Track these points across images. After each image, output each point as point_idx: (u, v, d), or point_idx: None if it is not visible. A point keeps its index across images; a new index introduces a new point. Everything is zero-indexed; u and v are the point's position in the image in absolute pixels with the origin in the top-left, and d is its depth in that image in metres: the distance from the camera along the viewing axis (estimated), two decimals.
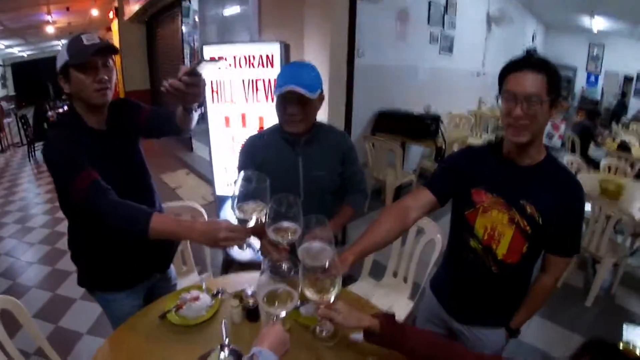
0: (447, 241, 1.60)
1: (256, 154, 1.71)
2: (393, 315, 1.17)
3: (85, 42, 1.33)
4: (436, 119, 4.68)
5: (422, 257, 2.29)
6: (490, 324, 1.50)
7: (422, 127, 4.57)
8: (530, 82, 1.16)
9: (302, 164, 1.68)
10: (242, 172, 1.21)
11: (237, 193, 1.18)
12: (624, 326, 1.79)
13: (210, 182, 3.40)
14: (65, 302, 3.03)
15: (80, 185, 1.27)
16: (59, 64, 1.37)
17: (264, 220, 1.22)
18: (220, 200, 3.35)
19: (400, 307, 2.27)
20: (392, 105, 4.94)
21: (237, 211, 1.18)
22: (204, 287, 1.65)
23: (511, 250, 1.33)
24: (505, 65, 1.24)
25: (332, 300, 1.14)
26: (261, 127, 2.90)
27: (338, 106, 3.69)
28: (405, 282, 2.40)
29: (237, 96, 2.92)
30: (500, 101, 1.25)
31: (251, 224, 1.20)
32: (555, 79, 1.17)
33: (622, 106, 9.64)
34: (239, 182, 1.18)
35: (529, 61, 1.18)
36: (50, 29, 9.28)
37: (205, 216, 2.40)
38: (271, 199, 1.20)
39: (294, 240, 1.23)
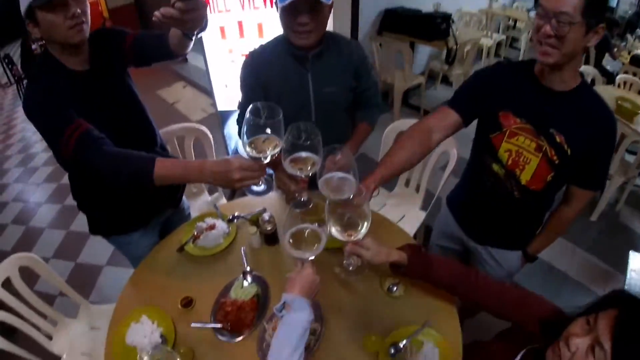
0: (464, 150, 1.52)
1: (260, 73, 1.54)
2: (420, 247, 1.14)
3: None
4: (447, 18, 4.29)
5: (436, 166, 2.23)
6: (507, 247, 1.50)
7: (432, 26, 4.20)
8: (563, 0, 1.01)
9: (311, 80, 1.53)
10: (249, 105, 1.07)
11: (245, 129, 1.06)
12: (630, 253, 1.77)
13: (208, 93, 3.21)
14: (80, 237, 3.07)
15: (67, 142, 1.15)
16: (23, 7, 1.16)
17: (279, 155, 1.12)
18: (223, 116, 3.22)
19: (412, 217, 2.27)
20: (399, 2, 4.51)
21: (248, 148, 1.07)
22: (218, 213, 1.62)
23: (535, 178, 1.27)
24: None
25: (361, 238, 1.09)
26: (261, 37, 2.65)
27: (343, 5, 3.36)
28: (417, 192, 2.37)
29: (231, 3, 2.61)
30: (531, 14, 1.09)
31: (266, 161, 1.10)
32: (596, 0, 1.01)
33: (638, 16, 8.86)
34: (247, 117, 1.05)
35: None
36: None
37: (210, 137, 2.29)
38: (287, 128, 1.09)
39: (314, 172, 1.13)
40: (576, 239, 2.81)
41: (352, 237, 1.07)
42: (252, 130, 1.05)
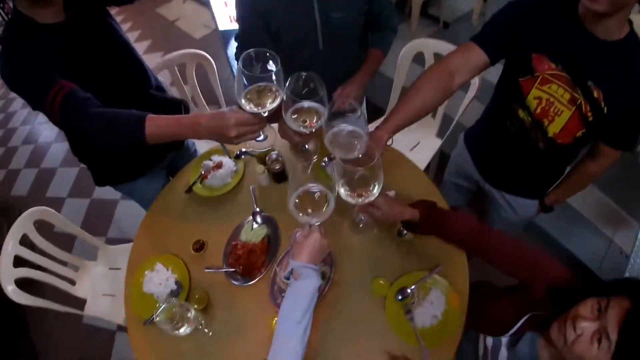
0: (492, 80, 1.37)
1: (259, 0, 1.38)
2: (433, 203, 1.08)
3: None
4: None
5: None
6: (524, 195, 1.44)
7: None
8: None
9: (317, 4, 1.37)
10: (247, 37, 0.94)
11: (240, 81, 0.94)
12: None
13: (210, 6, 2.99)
14: None
15: (52, 108, 1.07)
16: None
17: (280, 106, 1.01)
18: (225, 36, 3.02)
19: (427, 145, 2.19)
20: None
21: (243, 100, 0.96)
22: (225, 150, 1.57)
23: (565, 131, 1.15)
24: None
25: (372, 199, 1.00)
26: None
27: None
28: (434, 118, 2.24)
29: None
30: None
31: (266, 115, 0.99)
32: None
33: None
34: (239, 68, 0.92)
35: None
36: None
37: (212, 62, 2.15)
38: (288, 79, 0.97)
39: (319, 127, 1.02)
40: None
41: (363, 199, 0.98)
42: (246, 82, 0.94)
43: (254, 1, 1.38)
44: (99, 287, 1.77)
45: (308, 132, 1.05)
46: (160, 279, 1.25)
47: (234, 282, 1.23)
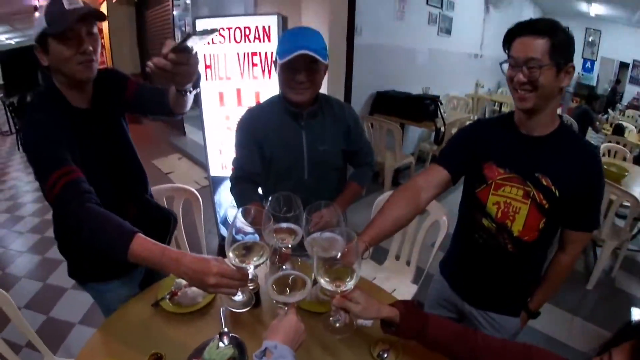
0: (455, 223, 1.52)
1: (256, 130, 1.58)
2: (413, 303, 1.06)
3: (66, 6, 1.13)
4: (435, 100, 4.57)
5: (426, 240, 2.19)
6: (505, 311, 1.43)
7: (421, 107, 4.46)
8: (531, 46, 1.07)
9: (305, 138, 1.56)
10: (239, 209, 1.11)
11: (233, 231, 1.05)
12: (632, 310, 1.72)
13: (203, 166, 3.26)
14: (56, 291, 2.90)
15: (53, 185, 1.09)
16: (36, 32, 1.16)
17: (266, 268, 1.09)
18: (215, 183, 3.22)
19: (403, 291, 2.18)
20: (390, 86, 4.81)
21: (231, 254, 1.05)
22: None
23: (527, 227, 1.25)
24: (509, 29, 1.15)
25: (350, 288, 1.02)
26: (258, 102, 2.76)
27: (337, 85, 3.56)
28: (408, 266, 2.31)
29: (232, 71, 2.75)
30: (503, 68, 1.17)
31: (250, 271, 1.07)
32: (561, 42, 1.08)
33: (614, 93, 9.57)
34: (236, 217, 1.06)
35: (531, 25, 1.10)
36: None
37: (200, 199, 2.26)
38: (269, 199, 1.11)
39: (295, 244, 1.13)
40: (574, 308, 2.72)
41: (341, 288, 1.00)
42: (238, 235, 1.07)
43: (252, 129, 1.58)
44: None
45: (284, 249, 1.12)
46: None
47: None
